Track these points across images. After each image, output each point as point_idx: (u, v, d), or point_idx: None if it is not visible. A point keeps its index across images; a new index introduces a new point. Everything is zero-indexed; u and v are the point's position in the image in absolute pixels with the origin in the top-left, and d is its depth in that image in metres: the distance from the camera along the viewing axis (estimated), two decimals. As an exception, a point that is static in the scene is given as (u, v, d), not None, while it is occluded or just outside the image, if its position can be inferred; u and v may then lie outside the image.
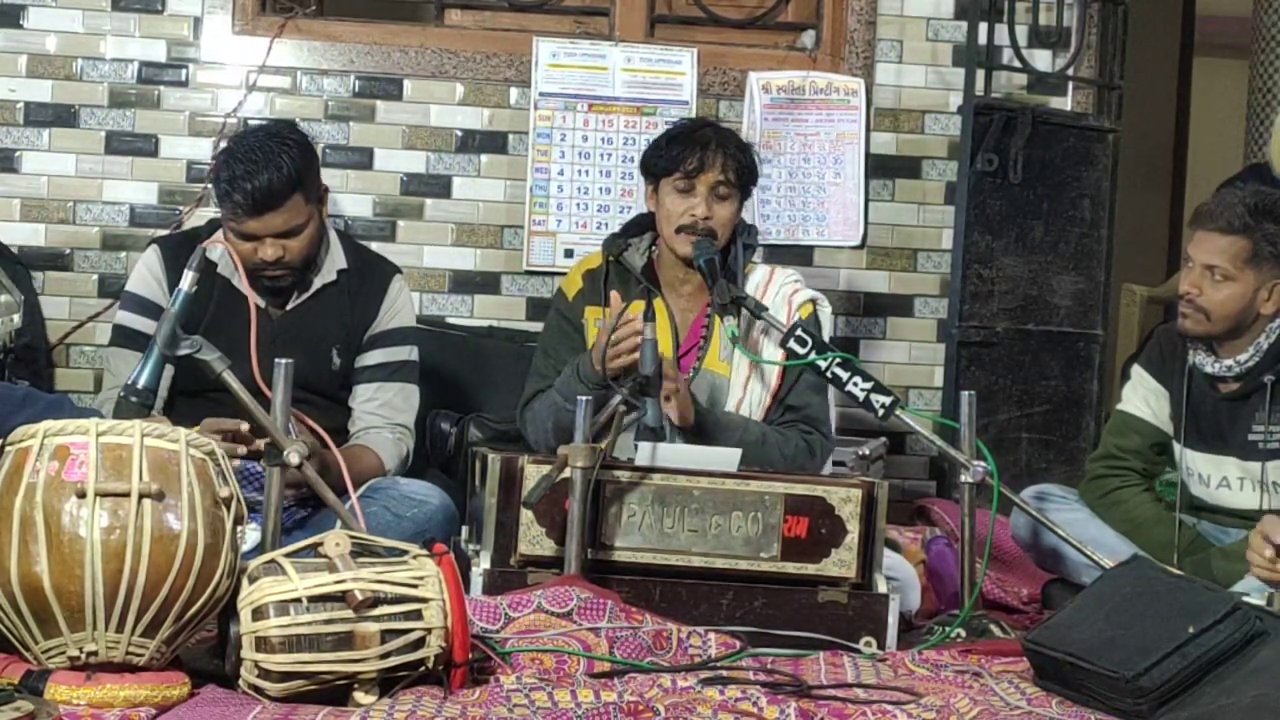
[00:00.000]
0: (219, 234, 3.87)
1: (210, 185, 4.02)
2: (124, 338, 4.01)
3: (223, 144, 4.09)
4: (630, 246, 4.06)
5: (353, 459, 3.72)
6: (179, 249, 3.93)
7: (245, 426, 3.49)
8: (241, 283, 3.80)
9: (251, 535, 3.30)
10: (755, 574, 3.49)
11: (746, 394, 3.95)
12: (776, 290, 4.05)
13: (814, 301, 4.08)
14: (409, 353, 4.12)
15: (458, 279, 5.01)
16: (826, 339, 4.01)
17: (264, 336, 3.62)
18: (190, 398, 3.80)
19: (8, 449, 2.75)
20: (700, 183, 3.94)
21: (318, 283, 4.01)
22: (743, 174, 3.98)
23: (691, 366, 3.98)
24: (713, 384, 3.97)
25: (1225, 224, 3.91)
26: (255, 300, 3.71)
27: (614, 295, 3.86)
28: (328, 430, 3.48)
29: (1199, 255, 3.94)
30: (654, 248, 4.08)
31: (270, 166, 3.80)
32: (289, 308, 3.99)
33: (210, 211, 4.43)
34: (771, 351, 3.94)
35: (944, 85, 5.16)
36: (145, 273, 4.03)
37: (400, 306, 4.12)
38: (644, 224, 4.10)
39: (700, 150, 3.94)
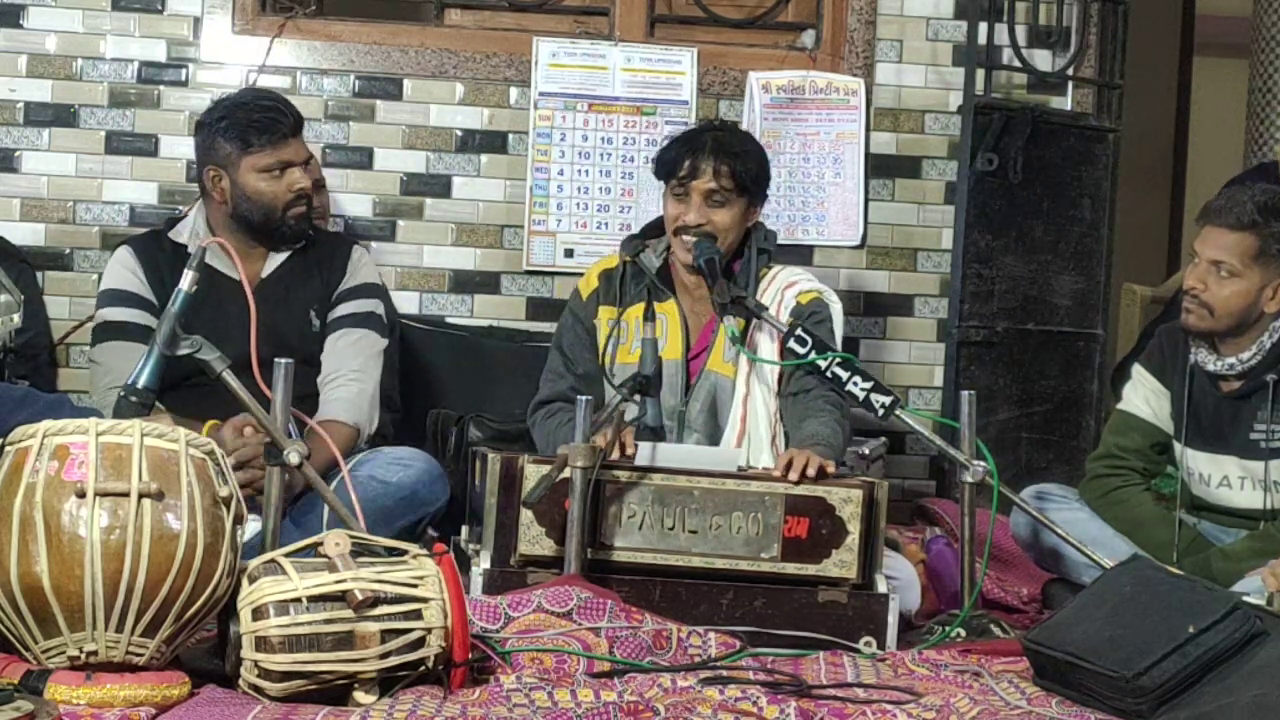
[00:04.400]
0: (201, 229, 3.92)
1: (219, 136, 3.99)
2: (111, 331, 4.02)
3: (206, 119, 4.06)
4: (648, 248, 4.04)
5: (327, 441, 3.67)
6: (149, 245, 4.09)
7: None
8: (232, 266, 3.76)
9: (251, 525, 3.30)
10: (755, 574, 3.48)
11: (750, 392, 3.93)
12: (777, 288, 4.02)
13: (819, 293, 4.03)
14: (374, 305, 4.14)
15: (458, 279, 5.01)
16: (837, 335, 3.98)
17: (245, 311, 3.55)
18: (185, 389, 3.78)
19: (7, 449, 2.75)
20: (693, 190, 3.91)
21: (286, 251, 4.06)
22: (742, 179, 3.92)
23: (700, 370, 3.97)
24: (716, 384, 3.95)
25: (1234, 220, 3.90)
26: (246, 283, 3.65)
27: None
28: (306, 396, 3.47)
29: (1205, 251, 3.93)
30: (670, 249, 4.05)
31: (280, 100, 4.06)
32: (264, 275, 4.02)
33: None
34: (768, 348, 3.92)
35: (944, 85, 5.15)
36: (120, 268, 4.07)
37: (363, 265, 4.18)
38: (663, 225, 4.08)
39: (693, 158, 3.90)
